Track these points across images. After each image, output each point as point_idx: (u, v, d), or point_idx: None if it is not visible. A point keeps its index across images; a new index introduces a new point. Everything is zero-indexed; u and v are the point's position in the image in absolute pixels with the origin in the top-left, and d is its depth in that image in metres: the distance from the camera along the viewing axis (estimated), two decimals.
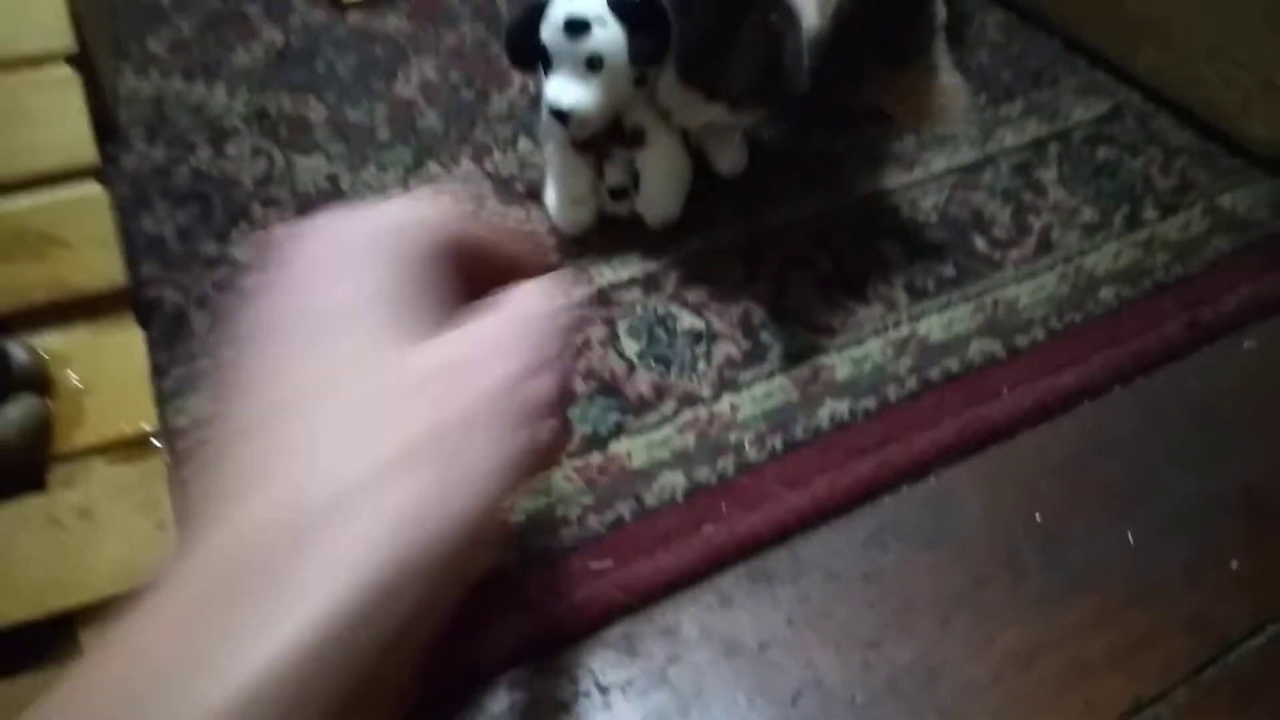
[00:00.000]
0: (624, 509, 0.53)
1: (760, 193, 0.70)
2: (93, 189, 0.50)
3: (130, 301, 0.49)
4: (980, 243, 0.68)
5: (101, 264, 0.48)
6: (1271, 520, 0.55)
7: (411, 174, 0.70)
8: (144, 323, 0.51)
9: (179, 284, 0.62)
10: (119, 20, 0.80)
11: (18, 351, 0.45)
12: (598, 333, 0.61)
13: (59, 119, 0.50)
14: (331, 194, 0.69)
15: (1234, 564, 0.53)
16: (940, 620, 0.50)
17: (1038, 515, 0.54)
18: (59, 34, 0.52)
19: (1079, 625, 0.50)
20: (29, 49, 0.51)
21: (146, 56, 0.78)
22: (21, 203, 0.48)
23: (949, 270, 0.66)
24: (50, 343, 0.47)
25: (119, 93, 0.74)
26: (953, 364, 0.61)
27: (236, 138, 0.72)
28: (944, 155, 0.74)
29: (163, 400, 0.53)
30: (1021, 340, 0.63)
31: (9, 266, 0.47)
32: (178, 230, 0.65)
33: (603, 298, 0.63)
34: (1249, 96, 0.69)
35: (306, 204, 0.68)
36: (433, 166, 0.71)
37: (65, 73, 0.52)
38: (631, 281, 0.64)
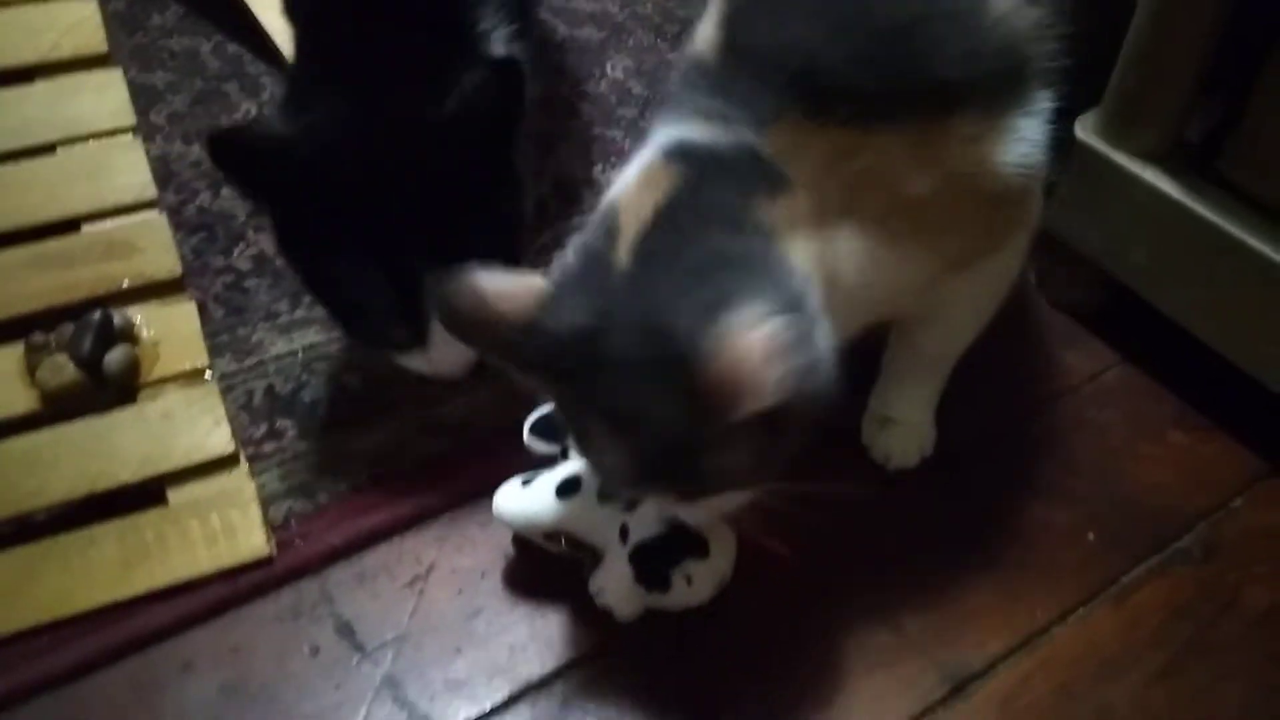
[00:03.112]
0: None
1: None
2: (155, 215, 0.76)
3: (183, 286, 0.74)
4: None
5: (166, 261, 0.74)
6: None
7: None
8: None
9: (199, 286, 0.87)
10: None
11: (117, 317, 0.71)
12: None
13: (131, 170, 0.76)
14: None
15: None
16: None
17: None
18: (125, 114, 0.78)
19: None
20: (107, 125, 0.77)
21: (150, 126, 1.03)
22: (111, 225, 0.74)
23: None
24: (134, 313, 0.73)
25: None
26: None
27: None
28: None
29: None
30: None
31: (106, 265, 0.72)
32: (192, 250, 0.90)
33: None
34: None
35: None
36: None
37: (130, 139, 0.78)
38: None
